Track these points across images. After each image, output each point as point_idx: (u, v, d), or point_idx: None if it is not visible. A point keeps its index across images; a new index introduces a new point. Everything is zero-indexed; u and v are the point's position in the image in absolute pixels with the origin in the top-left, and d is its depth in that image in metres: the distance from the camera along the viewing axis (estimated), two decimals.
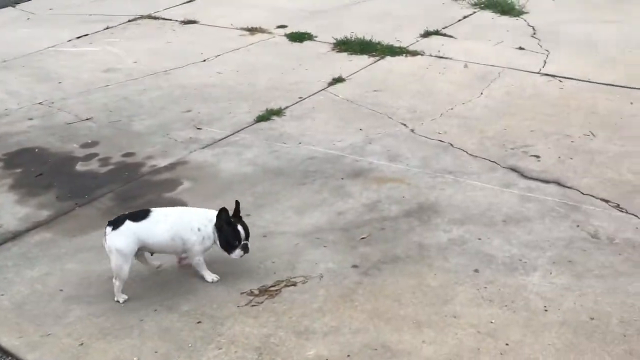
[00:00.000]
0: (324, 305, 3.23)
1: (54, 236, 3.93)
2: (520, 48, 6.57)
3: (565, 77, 5.85)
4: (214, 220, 3.32)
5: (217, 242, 3.35)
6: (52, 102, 5.87)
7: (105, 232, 3.26)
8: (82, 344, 3.06)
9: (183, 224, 3.30)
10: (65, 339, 3.10)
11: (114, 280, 3.31)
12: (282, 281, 3.41)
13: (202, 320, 3.17)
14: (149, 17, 8.27)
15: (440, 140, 4.83)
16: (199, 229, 3.30)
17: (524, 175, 4.31)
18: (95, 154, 4.93)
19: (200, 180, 4.47)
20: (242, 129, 5.19)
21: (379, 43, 6.74)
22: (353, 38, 6.85)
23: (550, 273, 3.38)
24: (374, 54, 6.56)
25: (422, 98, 5.57)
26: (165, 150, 4.92)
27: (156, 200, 4.22)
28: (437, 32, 7.07)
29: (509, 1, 7.92)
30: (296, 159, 4.67)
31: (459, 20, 7.51)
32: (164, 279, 3.49)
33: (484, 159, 4.54)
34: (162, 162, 4.74)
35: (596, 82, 5.71)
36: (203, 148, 4.93)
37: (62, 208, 4.23)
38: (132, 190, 4.41)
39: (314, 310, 3.20)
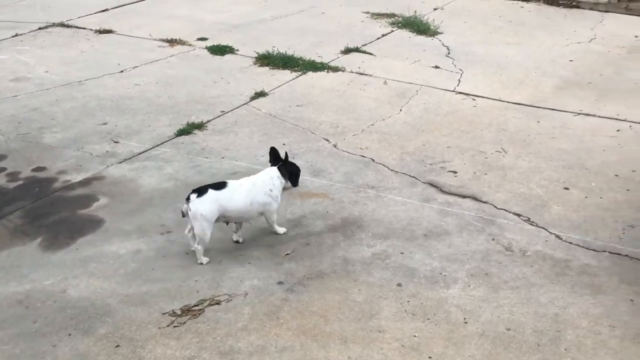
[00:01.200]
0: (249, 323, 3.18)
1: None
2: (436, 67, 6.82)
3: (477, 96, 6.12)
4: (276, 174, 3.76)
5: (287, 185, 3.81)
6: None
7: (189, 199, 3.53)
8: None
9: (257, 189, 3.70)
10: None
11: (196, 245, 3.58)
12: (206, 300, 3.33)
13: (121, 344, 3.04)
14: (61, 25, 7.93)
15: (362, 156, 4.91)
16: (270, 190, 3.72)
17: (443, 190, 4.46)
18: (3, 169, 4.64)
19: (118, 196, 4.30)
20: (162, 143, 5.06)
21: (300, 58, 6.79)
22: (275, 52, 6.87)
23: (469, 286, 3.50)
24: (296, 69, 6.61)
25: (344, 113, 5.66)
26: (80, 165, 4.70)
27: (70, 218, 4.03)
28: (357, 49, 7.22)
29: (425, 21, 8.21)
30: (219, 173, 4.59)
31: (378, 38, 7.70)
32: (77, 301, 3.32)
33: (405, 174, 4.66)
34: (76, 177, 4.53)
35: (506, 101, 6.02)
36: (121, 162, 4.76)
37: None
38: (44, 206, 4.19)
39: (239, 329, 3.14)
